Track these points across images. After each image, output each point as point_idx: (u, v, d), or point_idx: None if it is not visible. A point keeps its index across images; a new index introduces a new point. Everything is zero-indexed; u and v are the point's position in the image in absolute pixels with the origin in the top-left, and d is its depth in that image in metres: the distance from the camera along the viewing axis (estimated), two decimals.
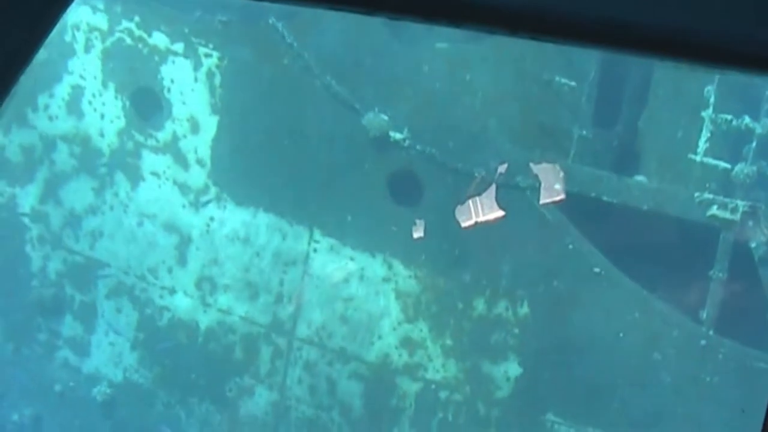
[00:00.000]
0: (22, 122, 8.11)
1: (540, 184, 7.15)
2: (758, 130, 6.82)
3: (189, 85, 7.69)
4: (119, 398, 8.29)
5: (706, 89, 6.85)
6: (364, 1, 1.41)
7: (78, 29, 7.95)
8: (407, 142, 7.26)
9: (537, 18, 1.28)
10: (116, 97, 7.90)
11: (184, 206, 7.79)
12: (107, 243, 8.05)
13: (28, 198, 8.19)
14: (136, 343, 8.15)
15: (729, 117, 6.84)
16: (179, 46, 7.70)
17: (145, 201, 7.89)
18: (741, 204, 6.85)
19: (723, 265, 6.98)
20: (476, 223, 7.24)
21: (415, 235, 7.34)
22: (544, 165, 7.19)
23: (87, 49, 7.92)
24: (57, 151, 8.11)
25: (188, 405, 8.14)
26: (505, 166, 7.14)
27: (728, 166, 6.97)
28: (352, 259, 7.52)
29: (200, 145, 7.73)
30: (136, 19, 7.80)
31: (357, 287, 7.55)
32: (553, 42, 1.36)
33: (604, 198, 7.12)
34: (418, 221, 7.33)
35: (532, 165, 7.16)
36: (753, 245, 6.90)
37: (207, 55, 7.65)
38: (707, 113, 6.86)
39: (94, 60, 7.91)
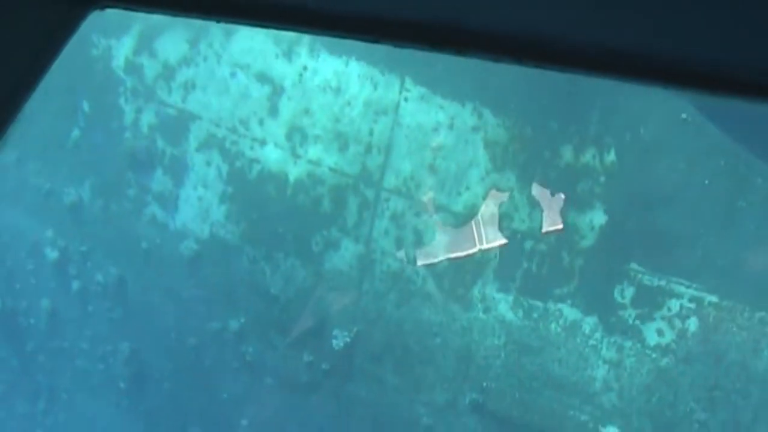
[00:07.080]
0: None
1: None
2: None
3: None
4: (205, 254, 8.64)
5: None
6: (370, 30, 1.44)
7: None
8: None
9: (544, 48, 1.32)
10: None
11: (277, 56, 8.13)
12: (200, 95, 8.40)
13: (122, 50, 8.53)
14: (225, 197, 8.50)
15: None
16: None
17: (238, 51, 8.23)
18: None
19: None
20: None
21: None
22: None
23: None
24: None
25: (274, 260, 8.51)
26: None
27: None
28: (441, 108, 7.86)
29: None
30: None
31: (446, 136, 7.89)
32: (562, 71, 1.40)
33: None
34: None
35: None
36: None
37: None
38: None
39: None
